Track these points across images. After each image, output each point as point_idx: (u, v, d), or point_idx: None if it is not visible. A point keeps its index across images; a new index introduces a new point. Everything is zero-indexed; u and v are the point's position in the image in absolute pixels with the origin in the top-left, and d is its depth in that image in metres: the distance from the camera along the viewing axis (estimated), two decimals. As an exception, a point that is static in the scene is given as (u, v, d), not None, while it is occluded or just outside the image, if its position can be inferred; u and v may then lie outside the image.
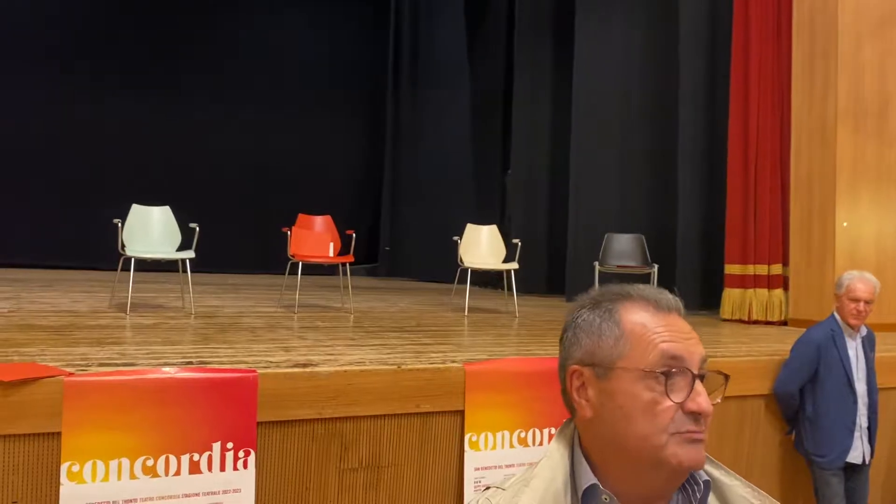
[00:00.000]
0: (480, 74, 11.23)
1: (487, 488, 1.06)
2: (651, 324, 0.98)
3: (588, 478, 0.99)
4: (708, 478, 1.01)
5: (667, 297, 1.01)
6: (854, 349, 3.77)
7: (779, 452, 4.04)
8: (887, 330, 5.33)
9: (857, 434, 3.70)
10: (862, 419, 3.72)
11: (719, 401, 0.98)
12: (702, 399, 0.94)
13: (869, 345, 3.86)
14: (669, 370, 0.94)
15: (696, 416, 0.93)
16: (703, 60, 7.07)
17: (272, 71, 12.24)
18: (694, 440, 0.93)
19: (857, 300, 3.68)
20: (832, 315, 3.85)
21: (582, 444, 1.03)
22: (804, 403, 3.83)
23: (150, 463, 2.53)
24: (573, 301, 1.10)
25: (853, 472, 3.76)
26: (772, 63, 6.24)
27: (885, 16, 5.89)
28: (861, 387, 3.74)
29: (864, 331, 3.84)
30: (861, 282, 3.70)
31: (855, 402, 3.71)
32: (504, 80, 10.82)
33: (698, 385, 0.95)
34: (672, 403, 0.93)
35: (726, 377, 1.01)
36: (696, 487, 1.00)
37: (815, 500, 3.81)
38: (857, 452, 3.71)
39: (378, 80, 13.35)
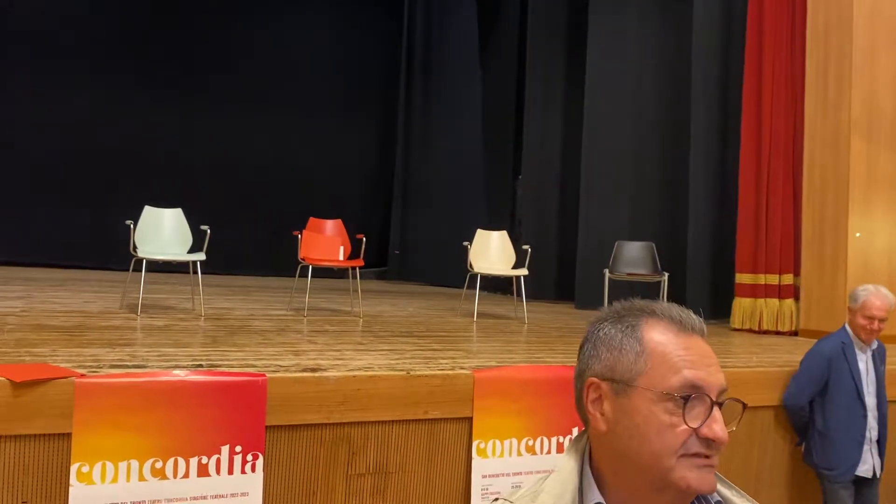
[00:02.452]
0: (492, 78, 11.21)
1: (497, 499, 1.05)
2: (673, 346, 0.97)
3: (593, 495, 0.98)
4: (720, 499, 1.01)
5: (691, 318, 1.00)
6: (864, 362, 3.74)
7: (788, 464, 4.02)
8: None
9: (866, 447, 3.67)
10: (872, 432, 3.70)
11: (734, 429, 0.98)
12: (718, 427, 0.93)
13: (879, 358, 3.83)
14: (689, 395, 0.93)
15: (709, 442, 0.93)
16: (715, 68, 7.05)
17: (284, 74, 12.28)
18: (705, 465, 0.93)
19: (871, 318, 3.63)
20: (843, 327, 3.82)
21: (592, 458, 1.02)
22: (814, 416, 3.81)
23: (158, 465, 2.55)
24: (597, 312, 1.09)
25: (863, 486, 3.73)
26: (785, 71, 6.21)
27: (900, 25, 5.85)
28: (871, 400, 3.72)
29: (874, 343, 3.81)
30: (877, 297, 3.64)
31: (865, 415, 3.68)
32: (516, 84, 10.81)
33: (716, 412, 0.94)
34: (687, 428, 0.93)
35: (744, 406, 1.01)
36: None
37: (824, 513, 3.79)
38: (867, 466, 3.68)
39: (390, 84, 13.37)
